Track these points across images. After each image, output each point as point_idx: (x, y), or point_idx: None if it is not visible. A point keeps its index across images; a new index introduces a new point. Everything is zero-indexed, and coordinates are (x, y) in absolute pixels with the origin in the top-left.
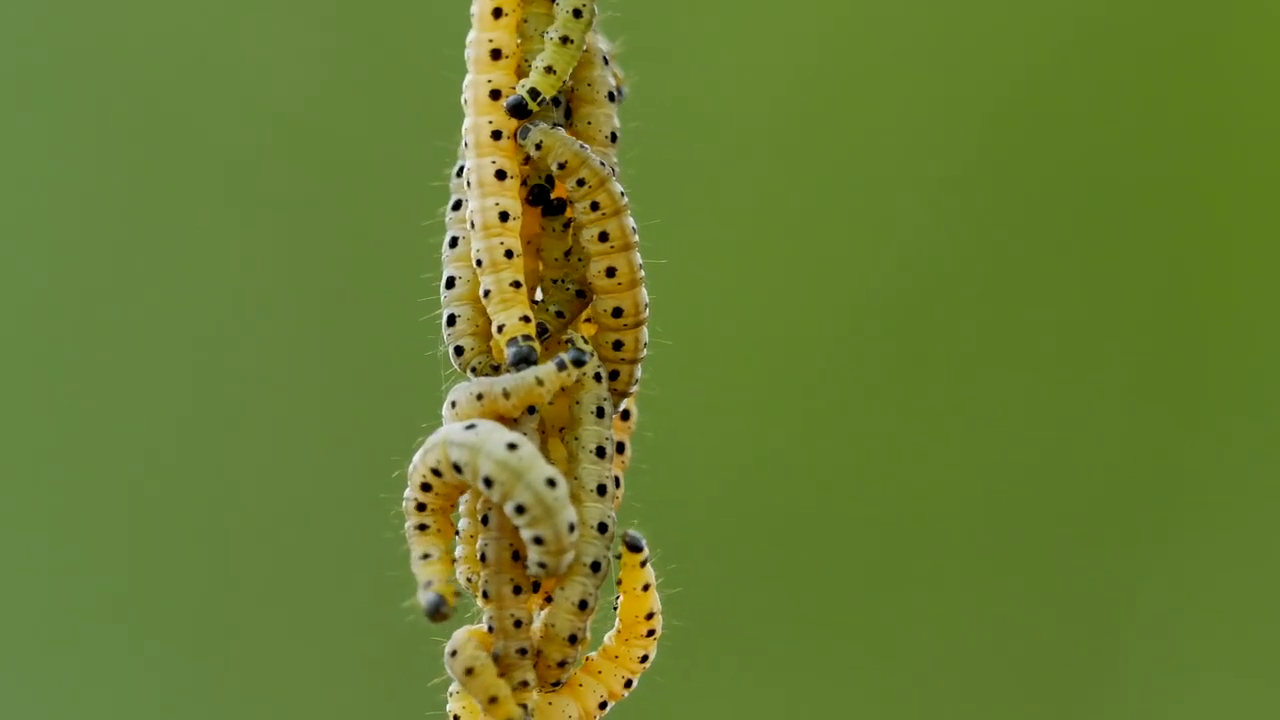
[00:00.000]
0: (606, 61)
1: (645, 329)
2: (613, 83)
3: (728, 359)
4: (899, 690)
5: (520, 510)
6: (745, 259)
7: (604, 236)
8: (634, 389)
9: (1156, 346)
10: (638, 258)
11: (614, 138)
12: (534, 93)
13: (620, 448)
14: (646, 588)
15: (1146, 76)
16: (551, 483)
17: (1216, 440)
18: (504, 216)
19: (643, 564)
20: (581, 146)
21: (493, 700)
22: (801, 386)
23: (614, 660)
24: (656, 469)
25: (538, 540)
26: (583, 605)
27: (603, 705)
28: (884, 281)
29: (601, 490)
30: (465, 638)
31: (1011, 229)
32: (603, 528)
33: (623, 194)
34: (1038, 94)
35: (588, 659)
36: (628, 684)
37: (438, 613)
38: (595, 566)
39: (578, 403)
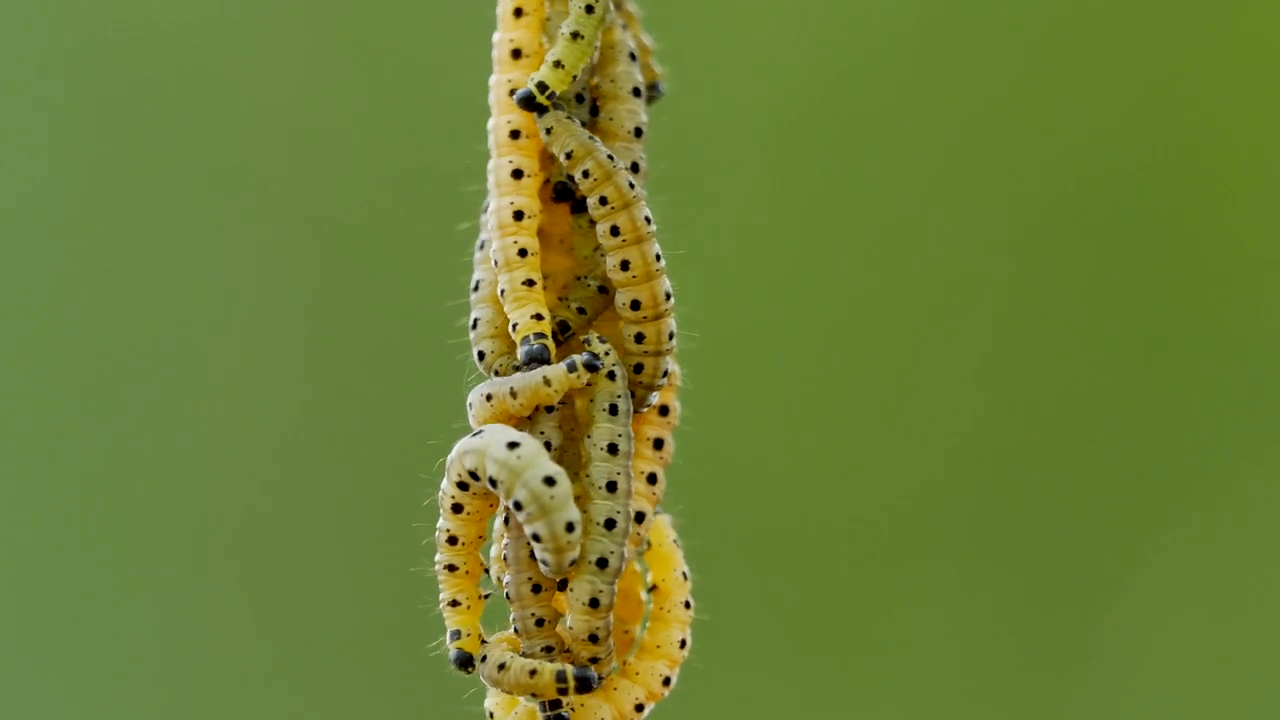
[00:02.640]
0: (634, 57)
1: (668, 321)
2: (639, 78)
3: (761, 353)
4: (912, 685)
5: (519, 507)
6: (775, 253)
7: (615, 230)
8: (661, 381)
9: (1142, 342)
10: (653, 250)
11: (638, 132)
12: (542, 86)
13: (659, 444)
14: (677, 542)
15: (1141, 74)
16: (549, 480)
17: (1199, 438)
18: (519, 215)
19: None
20: (590, 138)
21: (532, 673)
22: (815, 383)
23: (654, 651)
24: (695, 463)
25: (536, 537)
26: (593, 604)
27: (640, 708)
28: (899, 276)
29: (612, 487)
30: (493, 643)
31: (1008, 224)
32: (610, 524)
33: (632, 186)
34: (1041, 90)
35: (626, 662)
36: (666, 681)
37: (463, 668)
38: (602, 563)
39: (592, 400)
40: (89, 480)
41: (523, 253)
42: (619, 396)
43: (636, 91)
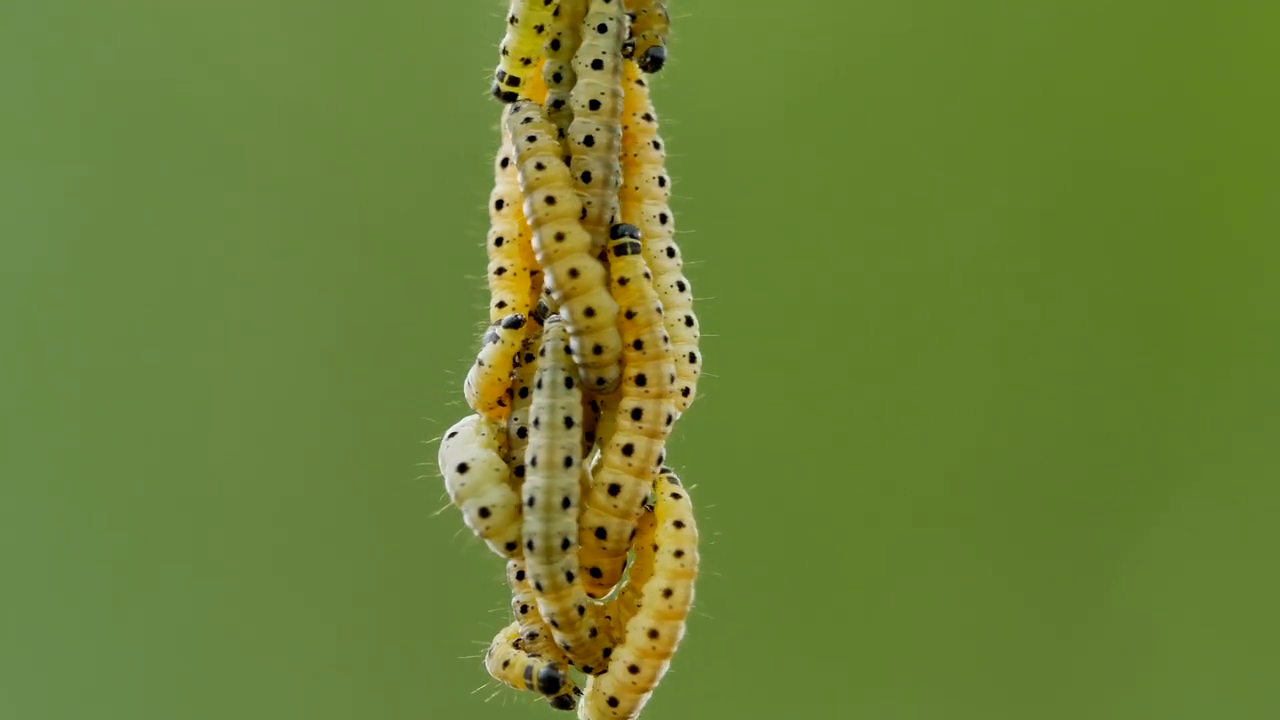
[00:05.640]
0: (604, 29)
1: (583, 299)
2: (604, 49)
3: (783, 336)
4: (920, 652)
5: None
6: (800, 238)
7: (528, 215)
8: (597, 359)
9: (1150, 320)
10: (550, 232)
11: (594, 105)
12: (500, 74)
13: (637, 414)
14: (676, 495)
15: (1143, 64)
16: (461, 468)
17: (1194, 426)
18: (499, 204)
19: (671, 479)
20: (525, 121)
21: (505, 664)
22: (835, 362)
23: (639, 605)
24: (724, 436)
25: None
26: (538, 588)
27: (634, 669)
28: (912, 263)
29: (534, 462)
30: (500, 638)
31: (1004, 216)
32: (531, 501)
33: (541, 167)
34: (1043, 84)
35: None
36: (653, 634)
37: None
38: (530, 545)
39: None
40: (101, 470)
41: (499, 241)
42: (544, 371)
43: (597, 64)
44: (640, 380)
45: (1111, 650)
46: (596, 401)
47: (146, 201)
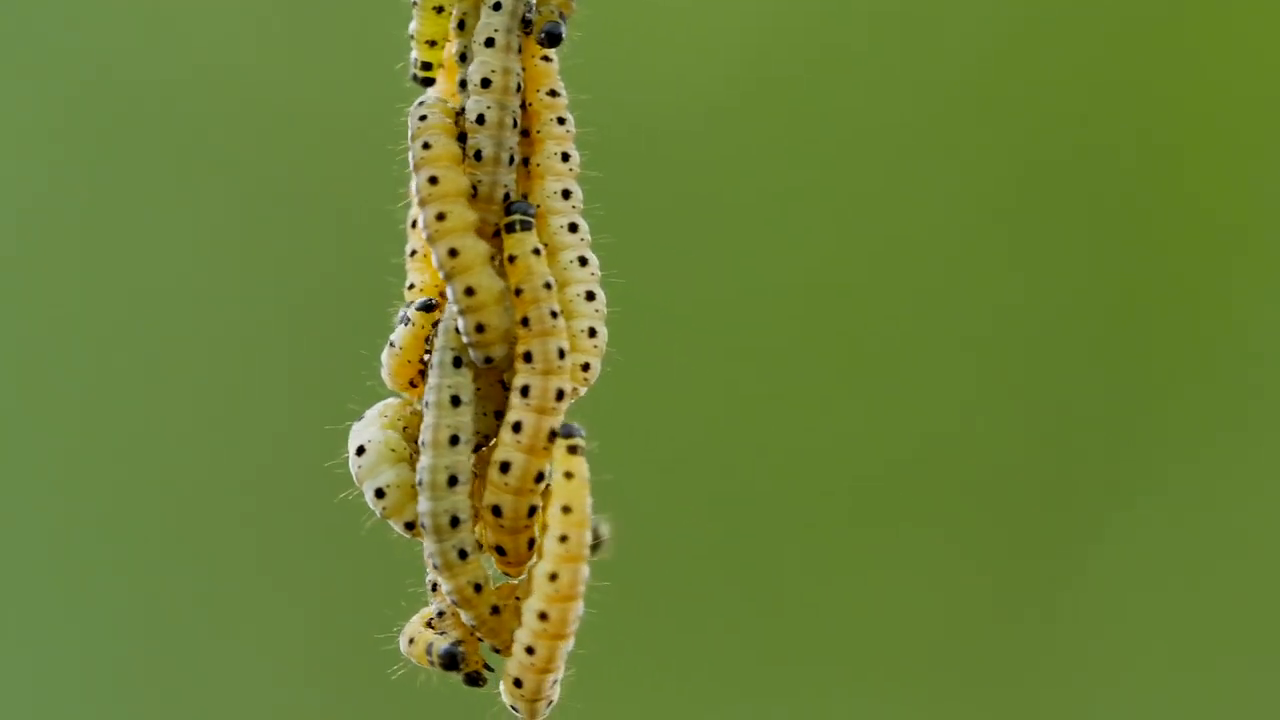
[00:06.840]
0: (499, 7)
1: (461, 280)
2: (497, 28)
3: (734, 328)
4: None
5: None
6: (759, 229)
7: (415, 194)
8: (480, 337)
9: (1107, 329)
10: (432, 212)
11: (485, 83)
12: (414, 60)
13: (525, 390)
14: (569, 475)
15: (1113, 47)
16: (359, 450)
17: (1168, 419)
18: None
19: (571, 450)
20: (420, 103)
21: (410, 641)
22: (756, 360)
23: (531, 590)
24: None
25: None
26: (435, 566)
27: (530, 650)
28: (832, 253)
29: (424, 444)
30: (415, 617)
31: (963, 201)
32: (420, 482)
33: (428, 146)
34: (994, 73)
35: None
36: (543, 616)
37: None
38: (423, 524)
39: None
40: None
41: (414, 223)
42: (435, 351)
43: (489, 42)
44: (528, 357)
45: (1083, 641)
46: (505, 381)
47: (108, 195)
